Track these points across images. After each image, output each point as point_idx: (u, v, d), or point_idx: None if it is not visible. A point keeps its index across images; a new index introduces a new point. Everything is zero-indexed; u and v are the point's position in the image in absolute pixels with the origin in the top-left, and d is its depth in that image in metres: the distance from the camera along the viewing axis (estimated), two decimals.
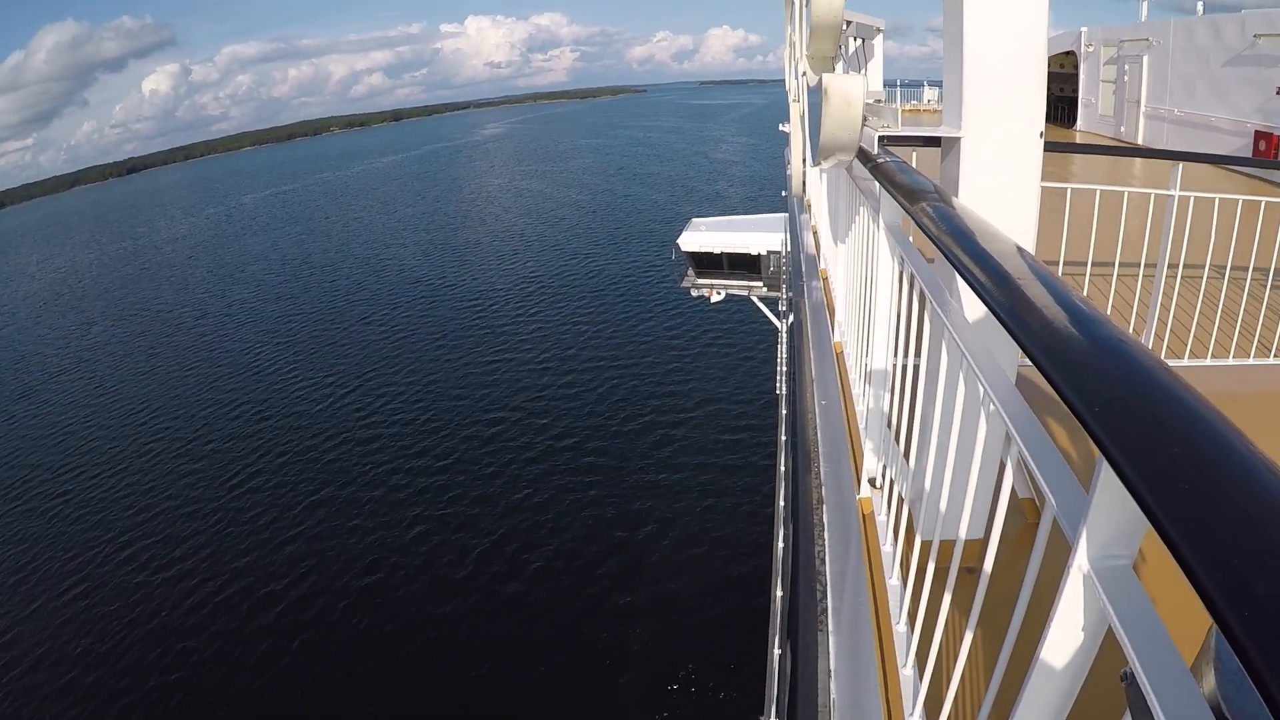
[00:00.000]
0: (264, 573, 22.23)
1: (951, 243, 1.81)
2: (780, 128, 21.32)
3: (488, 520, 23.67)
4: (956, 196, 3.10)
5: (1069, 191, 5.24)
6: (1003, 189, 3.10)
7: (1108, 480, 0.95)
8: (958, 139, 3.05)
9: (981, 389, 1.56)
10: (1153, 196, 5.15)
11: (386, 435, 29.87)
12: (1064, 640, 1.11)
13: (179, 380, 39.96)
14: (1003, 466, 1.45)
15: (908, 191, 2.54)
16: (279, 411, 33.52)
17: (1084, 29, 20.97)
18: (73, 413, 37.76)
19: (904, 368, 2.91)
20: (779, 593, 10.88)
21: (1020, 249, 1.68)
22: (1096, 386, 0.97)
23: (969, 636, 1.62)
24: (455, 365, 36.64)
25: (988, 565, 1.53)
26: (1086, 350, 1.08)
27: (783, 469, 13.27)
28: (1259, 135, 13.67)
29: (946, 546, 1.91)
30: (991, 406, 1.50)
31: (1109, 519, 0.98)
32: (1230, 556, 0.65)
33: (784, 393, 18.80)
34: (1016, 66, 2.95)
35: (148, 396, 38.06)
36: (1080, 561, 1.03)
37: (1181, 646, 0.87)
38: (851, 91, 3.13)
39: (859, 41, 9.19)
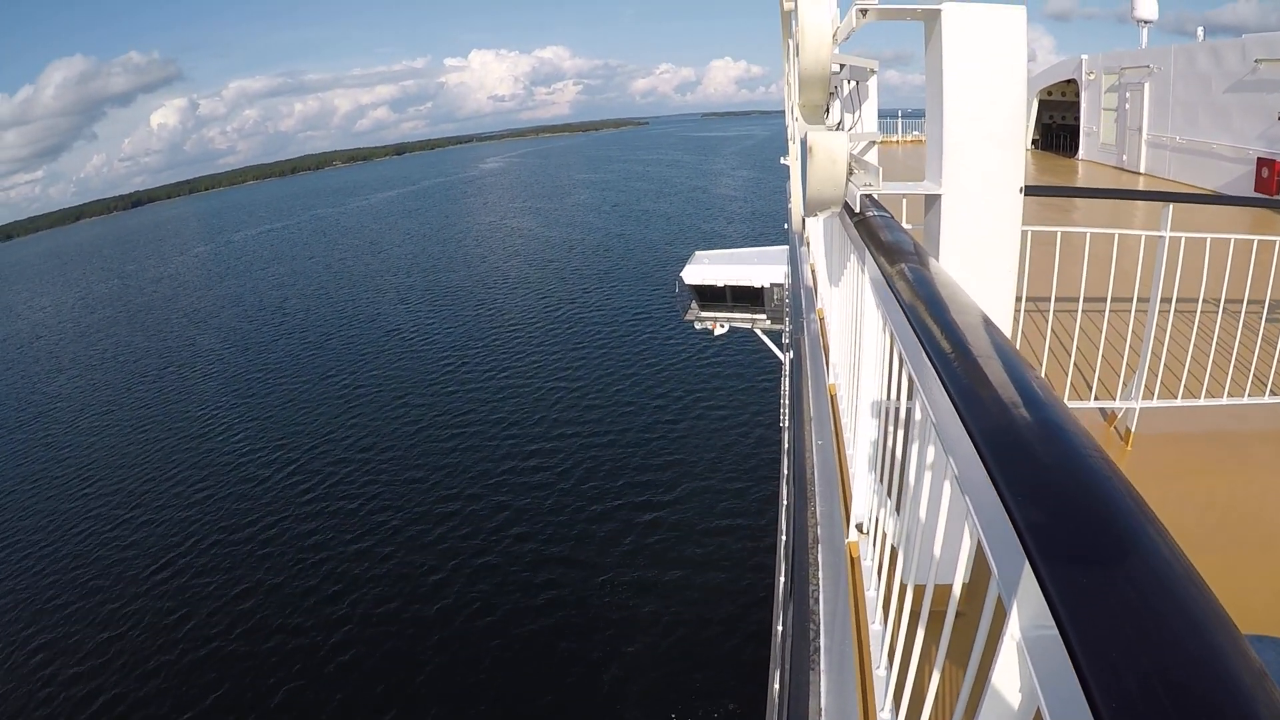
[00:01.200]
0: (170, 682, 19.93)
1: (921, 311, 1.90)
2: (781, 160, 21.49)
3: (415, 643, 20.55)
4: (939, 249, 3.21)
5: (1059, 235, 5.28)
6: (983, 242, 3.20)
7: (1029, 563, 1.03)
8: (939, 195, 3.16)
9: (945, 457, 1.65)
10: (1143, 238, 5.18)
11: (327, 516, 27.12)
12: (1003, 702, 1.18)
13: (130, 442, 37.26)
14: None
15: (888, 251, 2.64)
16: (220, 483, 30.87)
17: (1085, 56, 20.95)
18: (18, 472, 35.53)
19: (891, 414, 2.99)
20: (779, 627, 10.87)
21: (986, 322, 1.76)
22: (1024, 477, 1.06)
23: (934, 684, 1.70)
24: (414, 434, 33.51)
25: (950, 614, 1.61)
26: (1024, 439, 1.17)
27: (784, 502, 13.29)
28: (1261, 162, 13.63)
29: (920, 591, 1.99)
30: (952, 473, 1.58)
31: (1036, 595, 1.06)
32: (1108, 650, 0.74)
33: (786, 425, 18.75)
34: (995, 126, 3.06)
35: (96, 459, 35.66)
36: (1013, 630, 1.11)
37: None
38: (836, 149, 3.23)
39: (853, 83, 9.33)
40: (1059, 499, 0.99)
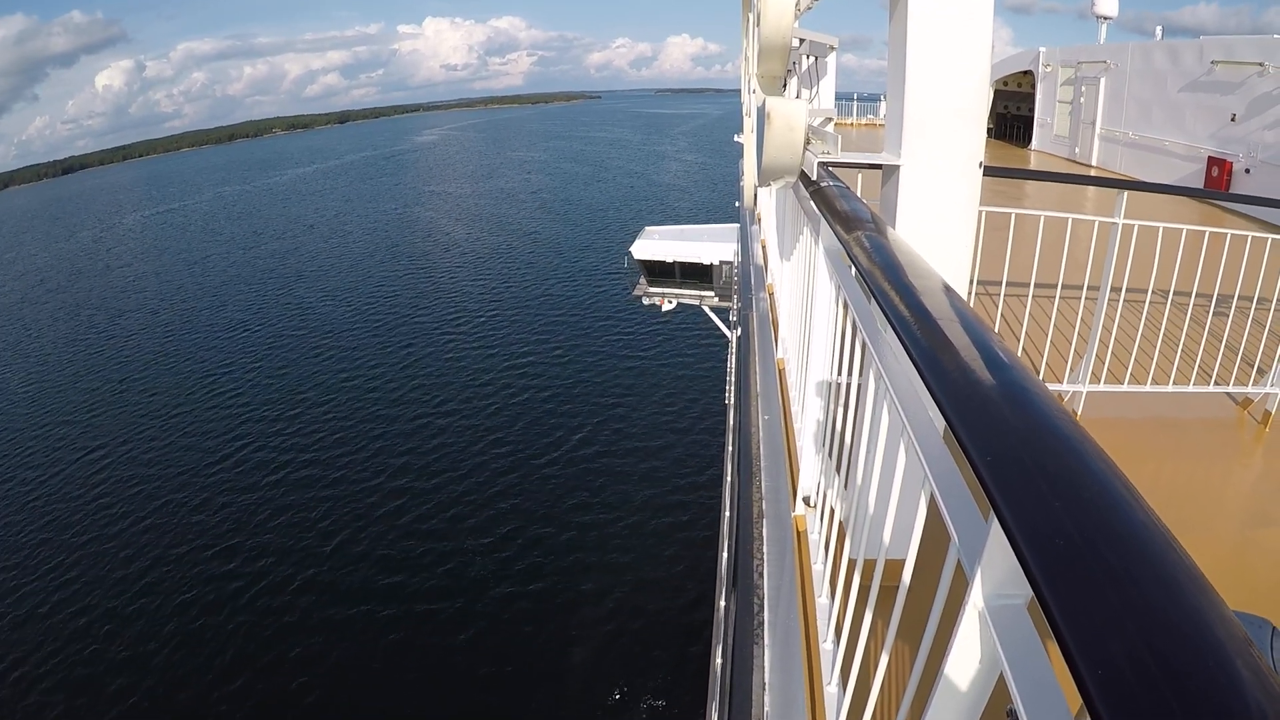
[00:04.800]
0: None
1: (879, 276, 1.85)
2: (735, 138, 21.43)
3: (362, 628, 19.90)
4: (895, 221, 3.17)
5: (1013, 217, 5.28)
6: (940, 216, 3.17)
7: (997, 526, 0.99)
8: (897, 166, 3.11)
9: (902, 421, 1.61)
10: (1097, 224, 5.22)
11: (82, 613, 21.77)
12: (961, 672, 1.15)
13: None
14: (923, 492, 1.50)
15: (845, 219, 2.59)
16: None
17: (1042, 49, 21.10)
18: None
19: (840, 388, 2.96)
20: (722, 603, 10.93)
21: (947, 287, 1.72)
22: (991, 436, 1.01)
23: (885, 658, 1.67)
24: (208, 516, 26.16)
25: (903, 588, 1.57)
26: (990, 398, 1.12)
27: (728, 479, 13.36)
28: (1212, 161, 13.84)
29: (870, 565, 1.96)
30: (909, 439, 1.54)
31: (1001, 561, 1.02)
32: (1092, 615, 0.69)
33: (732, 402, 18.79)
34: (957, 99, 3.02)
35: None
36: (976, 598, 1.07)
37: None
38: (794, 116, 3.17)
39: (812, 59, 9.30)
40: (1030, 460, 0.95)
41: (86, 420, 35.82)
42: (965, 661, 1.13)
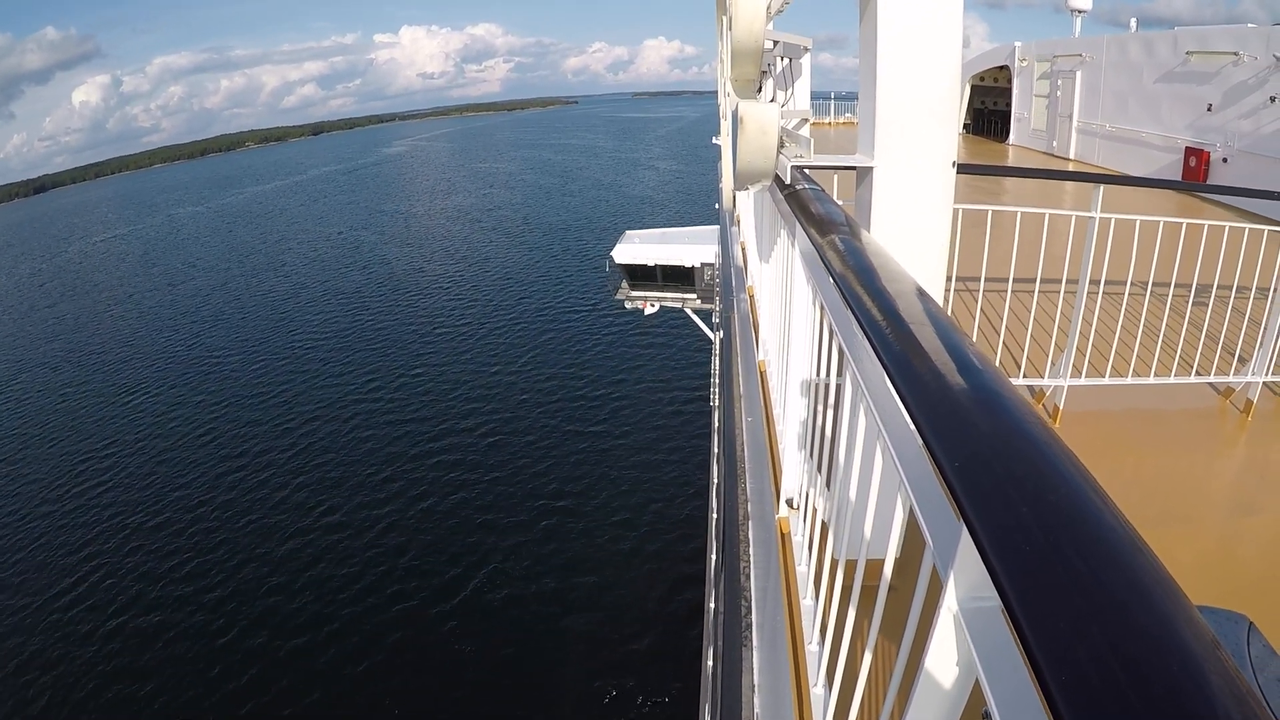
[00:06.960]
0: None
1: (852, 280, 1.86)
2: (713, 140, 21.46)
3: (347, 629, 19.85)
4: (870, 223, 3.19)
5: (989, 213, 5.30)
6: (915, 216, 3.19)
7: (966, 530, 0.99)
8: (870, 168, 3.13)
9: (878, 425, 1.61)
10: (1073, 219, 5.24)
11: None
12: (939, 674, 1.15)
13: None
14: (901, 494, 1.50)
15: (819, 223, 2.60)
16: None
17: (1018, 43, 21.28)
18: None
19: (821, 389, 2.97)
20: (711, 605, 10.94)
21: (920, 291, 1.73)
22: (959, 441, 1.02)
23: (868, 659, 1.67)
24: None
25: (884, 587, 1.58)
26: (959, 403, 1.13)
27: (715, 481, 13.38)
28: (1190, 152, 13.96)
29: (852, 566, 1.96)
30: (885, 443, 1.55)
31: (972, 565, 1.02)
32: (1057, 620, 0.70)
33: (716, 403, 18.77)
34: (928, 99, 3.04)
35: None
36: (950, 602, 1.07)
37: None
38: (767, 120, 3.18)
39: (786, 61, 9.32)
40: (999, 465, 0.95)
41: None
42: (942, 664, 1.14)
